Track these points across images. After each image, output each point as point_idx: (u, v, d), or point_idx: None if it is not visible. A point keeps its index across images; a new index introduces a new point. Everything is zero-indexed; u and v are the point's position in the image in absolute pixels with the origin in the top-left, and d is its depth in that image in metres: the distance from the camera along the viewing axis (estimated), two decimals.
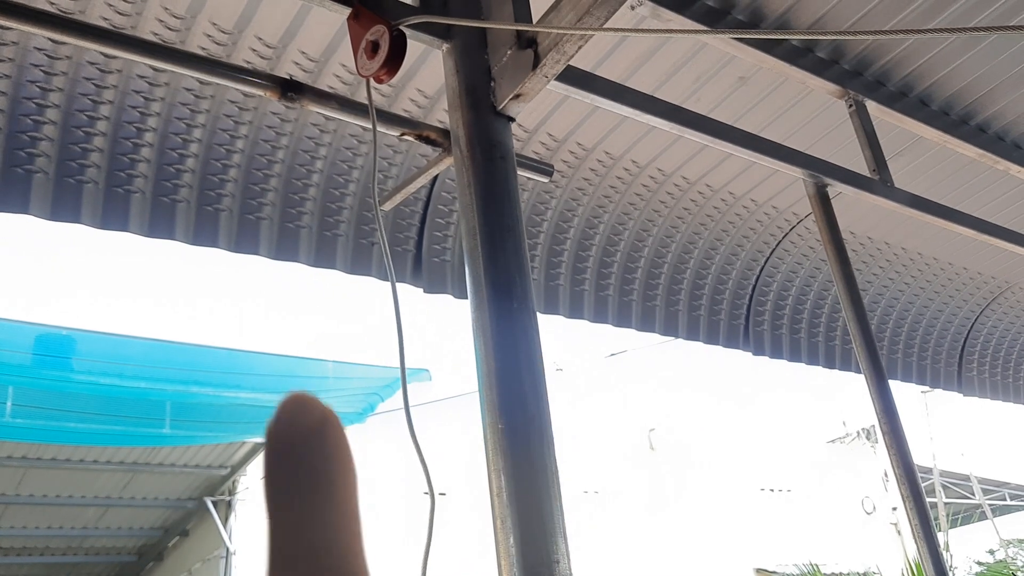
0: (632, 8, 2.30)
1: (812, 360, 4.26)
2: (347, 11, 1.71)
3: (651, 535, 10.09)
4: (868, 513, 12.79)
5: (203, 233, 2.58)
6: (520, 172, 1.77)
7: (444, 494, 7.80)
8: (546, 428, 1.39)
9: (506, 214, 1.57)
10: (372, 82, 1.63)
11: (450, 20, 1.79)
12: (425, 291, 2.96)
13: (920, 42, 2.78)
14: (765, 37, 2.64)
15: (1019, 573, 11.51)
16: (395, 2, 1.79)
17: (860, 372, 2.54)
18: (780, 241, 3.84)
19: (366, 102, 1.70)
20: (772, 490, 11.87)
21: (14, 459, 7.37)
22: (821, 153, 2.76)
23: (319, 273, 2.82)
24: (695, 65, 2.75)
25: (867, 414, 12.05)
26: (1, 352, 5.93)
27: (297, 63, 2.47)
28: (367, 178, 2.84)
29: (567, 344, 14.07)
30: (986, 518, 13.84)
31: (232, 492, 8.25)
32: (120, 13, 2.21)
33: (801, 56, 2.70)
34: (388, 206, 2.26)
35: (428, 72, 2.57)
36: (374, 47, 1.61)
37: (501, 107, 1.68)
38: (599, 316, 3.48)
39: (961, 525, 14.13)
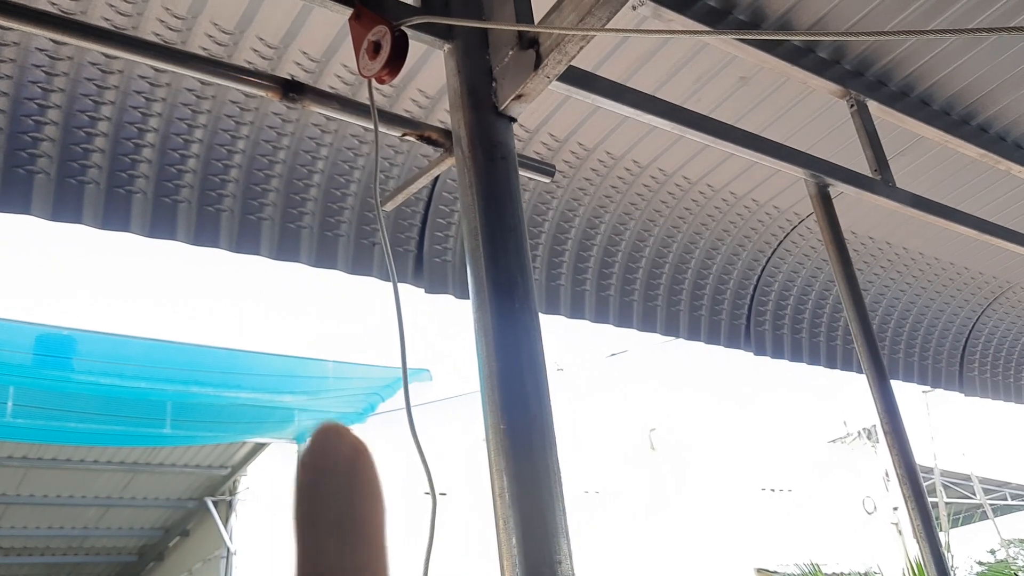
0: (633, 8, 2.30)
1: (813, 360, 4.26)
2: (348, 11, 1.71)
3: (652, 535, 10.08)
4: (869, 513, 12.79)
5: (204, 233, 2.58)
6: (521, 172, 1.76)
7: (445, 494, 7.79)
8: (548, 428, 1.39)
9: (508, 214, 1.57)
10: (374, 82, 1.63)
11: (452, 20, 1.79)
12: (426, 291, 2.96)
13: (921, 42, 2.78)
14: (766, 37, 2.63)
15: (1020, 573, 11.50)
16: (396, 2, 1.79)
17: (861, 372, 2.54)
18: (781, 241, 3.84)
19: (367, 102, 1.70)
20: (773, 490, 11.87)
21: (15, 459, 7.36)
22: (822, 153, 2.75)
23: (320, 273, 2.82)
24: (696, 65, 2.75)
25: (868, 414, 12.07)
26: (2, 352, 5.92)
27: (298, 63, 2.47)
28: (368, 178, 2.84)
29: (568, 344, 13.94)
30: (987, 518, 13.85)
31: (232, 492, 8.25)
32: (121, 14, 2.21)
33: (802, 56, 2.70)
34: (389, 206, 2.25)
35: (429, 72, 2.57)
36: (376, 47, 1.61)
37: (503, 107, 1.67)
38: (600, 316, 3.48)
39: (962, 525, 14.12)
